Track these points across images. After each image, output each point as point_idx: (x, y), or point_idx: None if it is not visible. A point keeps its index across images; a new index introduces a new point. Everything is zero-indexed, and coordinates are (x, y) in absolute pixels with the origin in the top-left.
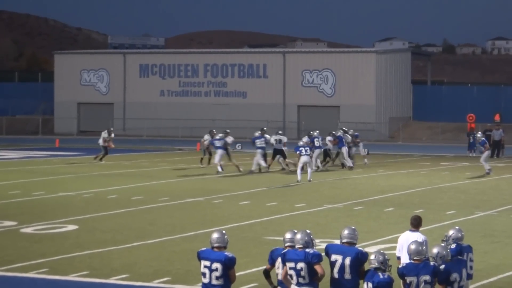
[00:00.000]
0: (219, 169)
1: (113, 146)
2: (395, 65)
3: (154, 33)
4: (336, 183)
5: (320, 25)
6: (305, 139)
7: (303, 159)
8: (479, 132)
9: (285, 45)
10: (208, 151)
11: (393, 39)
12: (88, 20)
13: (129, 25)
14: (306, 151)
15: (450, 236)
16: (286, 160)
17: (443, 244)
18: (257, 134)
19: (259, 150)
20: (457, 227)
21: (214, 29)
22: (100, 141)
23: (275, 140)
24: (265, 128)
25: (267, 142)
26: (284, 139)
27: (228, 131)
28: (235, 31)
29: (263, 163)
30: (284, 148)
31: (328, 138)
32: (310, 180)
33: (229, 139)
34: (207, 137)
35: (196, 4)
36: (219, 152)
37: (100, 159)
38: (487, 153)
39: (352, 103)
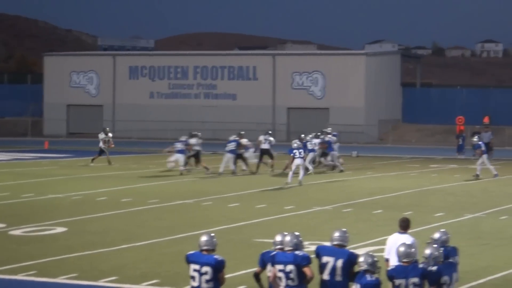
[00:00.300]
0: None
1: (113, 145)
2: (385, 68)
3: (144, 35)
4: (325, 185)
5: (310, 27)
6: (298, 142)
7: (297, 161)
8: (475, 137)
9: (275, 47)
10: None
11: (383, 42)
12: (78, 22)
13: (119, 27)
14: (300, 153)
15: (436, 239)
16: (271, 161)
17: (435, 246)
18: (231, 138)
19: (228, 154)
20: (442, 230)
21: (204, 31)
22: (101, 144)
23: (265, 139)
24: (242, 132)
25: (239, 145)
26: (272, 140)
27: (198, 133)
28: (225, 33)
29: (231, 166)
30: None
31: (315, 140)
32: (301, 183)
33: (194, 141)
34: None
35: (186, 6)
36: (178, 156)
37: (92, 160)
38: (485, 156)
39: (341, 105)
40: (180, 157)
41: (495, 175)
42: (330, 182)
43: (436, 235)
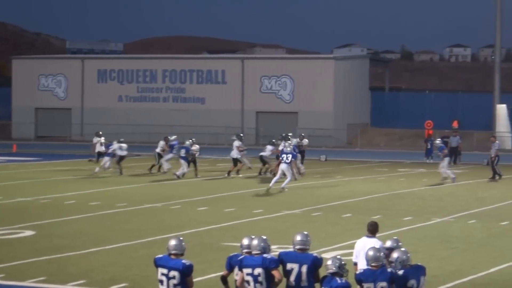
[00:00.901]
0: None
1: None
2: (354, 72)
3: (112, 39)
4: (294, 189)
5: (279, 31)
6: (290, 146)
7: (282, 166)
8: (438, 139)
9: (244, 51)
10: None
11: (352, 46)
12: (46, 25)
13: (88, 31)
14: (287, 158)
15: (396, 259)
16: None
17: (403, 249)
18: (187, 142)
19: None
20: (403, 249)
21: (173, 35)
22: (98, 148)
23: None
24: (193, 139)
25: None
26: (237, 143)
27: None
28: (194, 36)
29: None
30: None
31: (269, 147)
32: (283, 188)
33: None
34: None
35: (155, 10)
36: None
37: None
38: (446, 160)
39: (310, 109)
40: (183, 164)
41: (453, 179)
42: (299, 186)
43: (395, 255)
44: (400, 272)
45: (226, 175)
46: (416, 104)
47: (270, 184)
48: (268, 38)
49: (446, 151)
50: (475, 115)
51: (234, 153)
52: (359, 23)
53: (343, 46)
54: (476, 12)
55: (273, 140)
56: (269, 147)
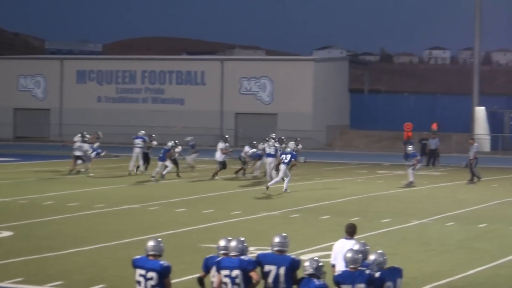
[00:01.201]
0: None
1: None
2: (333, 74)
3: (91, 39)
4: (273, 190)
5: (259, 32)
6: (291, 146)
7: (282, 167)
8: (410, 146)
9: (223, 53)
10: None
11: (331, 48)
12: (25, 25)
13: (67, 31)
14: (286, 158)
15: (373, 261)
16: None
17: (380, 251)
18: (169, 144)
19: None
20: (380, 251)
21: (153, 36)
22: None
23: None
24: (153, 135)
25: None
26: (221, 145)
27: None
28: (173, 37)
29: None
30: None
31: (246, 148)
32: (286, 190)
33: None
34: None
35: (134, 11)
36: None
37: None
38: (419, 165)
39: (289, 111)
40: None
41: (411, 182)
42: (277, 187)
43: (372, 257)
44: (377, 274)
45: (211, 177)
46: (395, 106)
47: (269, 184)
48: (247, 40)
49: (418, 157)
50: (454, 118)
51: (218, 155)
52: (339, 25)
53: (322, 48)
54: (455, 15)
55: (254, 142)
56: (246, 148)
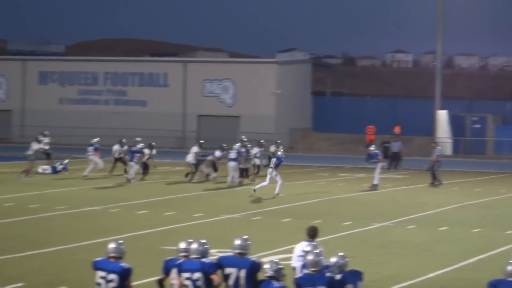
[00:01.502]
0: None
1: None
2: (296, 76)
3: (54, 40)
4: (234, 193)
5: (221, 35)
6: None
7: (268, 171)
8: (372, 146)
9: (186, 54)
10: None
11: (294, 50)
12: None
13: (29, 32)
14: (272, 163)
15: (334, 264)
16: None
17: (341, 254)
18: (139, 146)
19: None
20: (341, 254)
21: (115, 37)
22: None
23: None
24: (153, 143)
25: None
26: (196, 149)
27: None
28: (136, 39)
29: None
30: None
31: (194, 149)
32: (277, 194)
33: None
34: (116, 147)
35: (97, 12)
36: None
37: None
38: (381, 165)
39: (252, 113)
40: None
41: (375, 185)
42: (238, 190)
43: (333, 259)
44: (338, 276)
45: (185, 177)
46: (357, 109)
47: (255, 187)
48: (209, 42)
49: (380, 157)
50: (416, 121)
51: (190, 158)
52: (302, 28)
53: (285, 51)
54: (418, 19)
55: (224, 145)
56: (217, 153)
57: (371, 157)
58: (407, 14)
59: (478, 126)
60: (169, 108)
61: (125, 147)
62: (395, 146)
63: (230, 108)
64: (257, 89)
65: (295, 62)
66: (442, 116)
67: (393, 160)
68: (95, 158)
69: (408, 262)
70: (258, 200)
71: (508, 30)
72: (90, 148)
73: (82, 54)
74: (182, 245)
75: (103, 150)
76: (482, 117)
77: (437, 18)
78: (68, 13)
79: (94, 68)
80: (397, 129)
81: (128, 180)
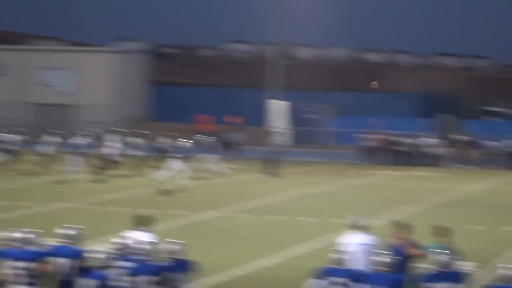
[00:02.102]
0: None
1: None
2: (134, 65)
3: None
4: (72, 183)
5: (59, 22)
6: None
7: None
8: (204, 136)
9: (23, 42)
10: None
11: (134, 40)
12: None
13: None
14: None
15: (165, 252)
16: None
17: (172, 241)
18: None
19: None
20: (172, 241)
21: None
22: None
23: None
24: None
25: None
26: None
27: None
28: None
29: None
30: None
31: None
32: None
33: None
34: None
35: None
36: None
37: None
38: (216, 156)
39: (89, 102)
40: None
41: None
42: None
43: (167, 246)
44: (166, 264)
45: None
46: (197, 99)
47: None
48: (47, 30)
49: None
50: (255, 111)
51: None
52: (141, 17)
53: (124, 40)
54: (258, 8)
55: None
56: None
57: (207, 147)
58: (247, 3)
59: (318, 117)
60: (7, 97)
61: None
62: (233, 136)
63: (68, 97)
64: (94, 78)
65: (134, 51)
66: (281, 106)
67: (230, 150)
68: None
69: (238, 250)
70: (91, 189)
71: (349, 22)
72: None
73: None
74: (7, 233)
75: None
76: (321, 108)
77: (278, 8)
78: None
79: None
80: (233, 119)
81: None
